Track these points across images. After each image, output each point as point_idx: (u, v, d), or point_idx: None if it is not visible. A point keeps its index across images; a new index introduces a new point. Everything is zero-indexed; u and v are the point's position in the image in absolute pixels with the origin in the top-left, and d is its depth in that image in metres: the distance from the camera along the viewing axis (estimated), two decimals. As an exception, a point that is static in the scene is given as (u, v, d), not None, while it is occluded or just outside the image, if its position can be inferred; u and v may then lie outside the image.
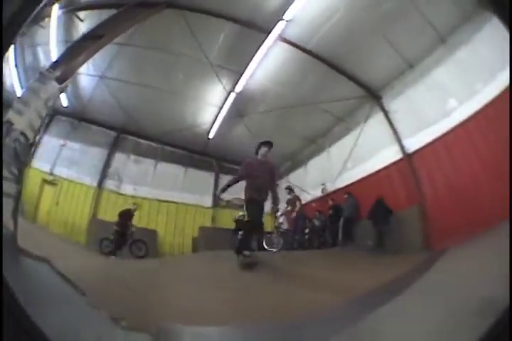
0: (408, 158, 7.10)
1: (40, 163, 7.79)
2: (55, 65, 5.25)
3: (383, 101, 7.90)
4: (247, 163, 5.14)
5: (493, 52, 5.19)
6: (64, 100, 7.62)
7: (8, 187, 3.20)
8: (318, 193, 9.47)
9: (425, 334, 1.62)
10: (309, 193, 9.66)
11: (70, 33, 6.89)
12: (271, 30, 6.79)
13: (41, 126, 4.81)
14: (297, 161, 10.46)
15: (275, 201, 5.27)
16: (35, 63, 6.89)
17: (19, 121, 3.86)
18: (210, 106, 9.02)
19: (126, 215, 7.99)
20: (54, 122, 8.19)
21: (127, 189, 9.20)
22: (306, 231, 8.39)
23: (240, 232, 6.68)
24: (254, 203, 4.88)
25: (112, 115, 8.96)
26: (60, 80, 5.00)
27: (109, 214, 8.38)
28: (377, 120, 7.94)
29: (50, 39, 6.56)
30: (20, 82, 6.13)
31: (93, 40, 5.89)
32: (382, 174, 7.64)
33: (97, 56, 6.33)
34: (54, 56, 6.20)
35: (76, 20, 6.88)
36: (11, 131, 3.61)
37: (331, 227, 8.06)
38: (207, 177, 10.39)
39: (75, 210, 8.22)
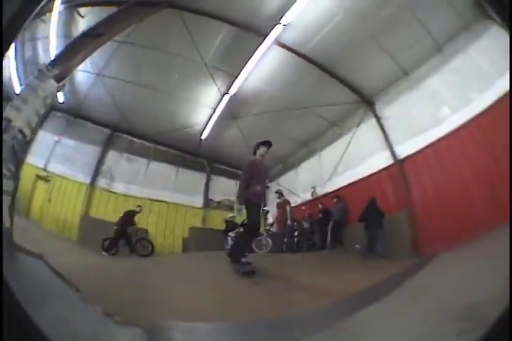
0: (399, 163, 7.14)
1: (35, 158, 7.69)
2: (53, 62, 5.25)
3: (376, 107, 7.96)
4: (252, 163, 4.73)
5: (489, 61, 5.30)
6: (60, 96, 7.58)
7: (6, 184, 3.21)
8: (308, 196, 9.53)
9: (405, 338, 1.64)
10: (299, 196, 9.74)
11: (70, 29, 6.90)
12: (268, 34, 6.81)
13: (38, 124, 4.82)
14: (288, 164, 10.49)
15: (264, 202, 5.09)
16: (34, 57, 6.89)
17: (17, 118, 3.89)
18: (203, 108, 9.06)
19: (129, 216, 7.97)
20: (49, 118, 8.14)
21: (119, 187, 9.22)
22: (295, 234, 8.38)
23: (232, 234, 6.73)
24: (255, 206, 4.57)
25: (107, 113, 8.99)
26: (59, 78, 5.03)
27: (101, 212, 8.41)
28: (370, 125, 8.00)
29: (50, 34, 6.55)
30: (18, 76, 6.12)
31: (92, 38, 5.90)
32: (372, 179, 7.69)
33: (95, 53, 6.31)
34: (53, 51, 6.22)
35: (77, 16, 6.88)
36: (9, 128, 3.63)
37: (320, 231, 8.13)
38: (198, 178, 10.47)
39: (67, 207, 8.19)
